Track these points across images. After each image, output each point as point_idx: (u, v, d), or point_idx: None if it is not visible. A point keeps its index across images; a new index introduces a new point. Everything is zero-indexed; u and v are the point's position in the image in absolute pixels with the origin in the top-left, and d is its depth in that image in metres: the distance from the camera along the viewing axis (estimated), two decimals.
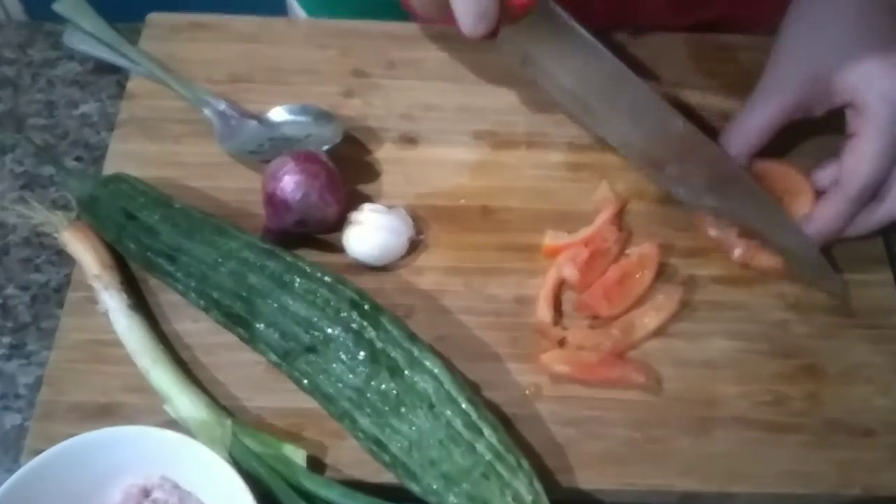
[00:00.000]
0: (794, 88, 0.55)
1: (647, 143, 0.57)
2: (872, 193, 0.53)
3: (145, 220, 0.53)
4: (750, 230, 0.56)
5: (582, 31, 0.54)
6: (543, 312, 0.53)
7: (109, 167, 0.59)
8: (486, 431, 0.45)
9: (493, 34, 0.54)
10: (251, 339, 0.50)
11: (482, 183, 0.59)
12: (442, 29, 0.66)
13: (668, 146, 0.56)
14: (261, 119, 0.61)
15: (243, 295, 0.49)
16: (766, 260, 0.55)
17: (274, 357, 0.49)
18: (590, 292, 0.54)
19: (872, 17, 0.53)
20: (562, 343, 0.52)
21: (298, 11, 0.81)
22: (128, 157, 0.59)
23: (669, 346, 0.53)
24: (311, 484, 0.46)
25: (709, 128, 0.58)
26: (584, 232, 0.56)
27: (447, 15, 0.52)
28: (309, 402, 0.49)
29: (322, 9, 0.78)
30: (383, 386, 0.46)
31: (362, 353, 0.47)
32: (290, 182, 0.53)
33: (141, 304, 0.53)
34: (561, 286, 0.55)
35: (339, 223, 0.55)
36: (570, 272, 0.54)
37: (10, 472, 0.45)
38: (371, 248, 0.54)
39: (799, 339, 0.54)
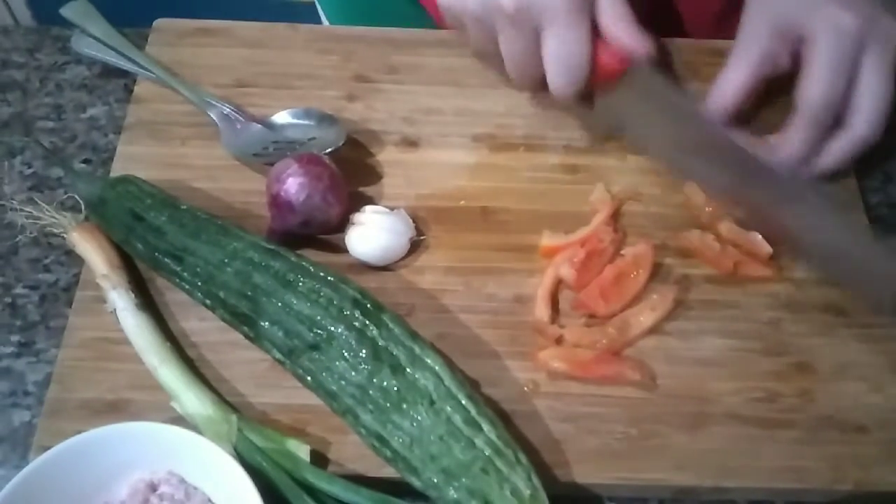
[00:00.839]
0: (760, 41, 0.57)
1: (732, 187, 0.58)
2: (829, 116, 0.55)
3: (152, 221, 0.53)
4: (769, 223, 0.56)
5: (676, 94, 0.56)
6: (541, 311, 0.54)
7: (117, 169, 0.59)
8: (486, 427, 0.45)
9: (587, 101, 0.57)
10: (256, 338, 0.51)
11: (481, 184, 0.60)
12: (442, 34, 0.67)
13: (753, 188, 0.57)
14: (265, 122, 0.61)
15: (248, 294, 0.50)
16: (756, 269, 0.56)
17: (278, 355, 0.50)
18: (586, 291, 0.54)
19: None
20: (559, 341, 0.53)
21: (325, 21, 0.82)
22: (135, 159, 0.60)
23: (664, 343, 0.54)
24: (315, 478, 0.47)
25: None
26: (581, 232, 0.57)
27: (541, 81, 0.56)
28: (312, 399, 0.50)
29: (347, 19, 0.79)
30: (385, 383, 0.46)
31: (364, 351, 0.47)
32: (293, 184, 0.54)
33: (148, 303, 0.53)
34: (558, 285, 0.55)
35: (342, 224, 0.55)
36: (567, 272, 0.54)
37: (19, 468, 0.45)
38: (373, 248, 0.55)
39: (791, 337, 0.54)
